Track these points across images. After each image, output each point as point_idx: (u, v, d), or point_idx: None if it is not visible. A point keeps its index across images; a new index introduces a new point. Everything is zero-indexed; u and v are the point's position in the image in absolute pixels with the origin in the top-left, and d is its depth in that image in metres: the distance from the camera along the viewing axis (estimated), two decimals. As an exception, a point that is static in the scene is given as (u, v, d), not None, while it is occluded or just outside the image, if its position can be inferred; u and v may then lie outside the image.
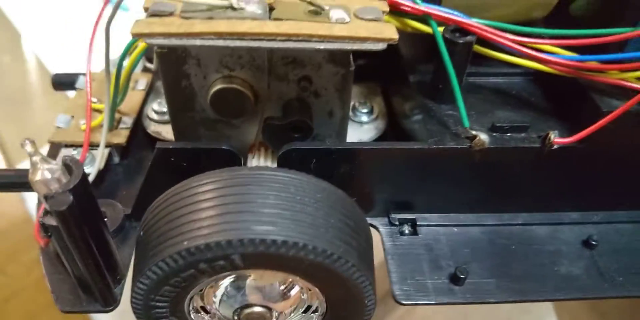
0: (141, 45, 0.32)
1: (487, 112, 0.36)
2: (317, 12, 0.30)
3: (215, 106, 0.35)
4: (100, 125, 0.38)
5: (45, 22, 0.93)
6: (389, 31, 0.29)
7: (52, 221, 0.26)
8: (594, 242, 0.36)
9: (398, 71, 0.42)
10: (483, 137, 0.33)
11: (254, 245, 0.25)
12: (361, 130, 0.42)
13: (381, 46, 0.28)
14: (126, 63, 0.36)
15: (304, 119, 0.35)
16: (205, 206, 0.26)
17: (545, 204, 0.37)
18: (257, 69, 0.34)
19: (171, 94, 0.35)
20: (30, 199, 0.69)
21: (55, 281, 0.31)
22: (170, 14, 0.28)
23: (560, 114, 0.36)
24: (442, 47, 0.32)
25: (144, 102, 0.42)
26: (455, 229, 0.36)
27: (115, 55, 0.37)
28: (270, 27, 0.28)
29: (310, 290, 0.29)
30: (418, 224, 0.36)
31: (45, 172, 0.26)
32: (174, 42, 0.28)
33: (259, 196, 0.27)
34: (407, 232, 0.36)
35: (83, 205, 0.26)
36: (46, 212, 0.27)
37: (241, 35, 0.28)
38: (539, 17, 0.37)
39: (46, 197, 0.25)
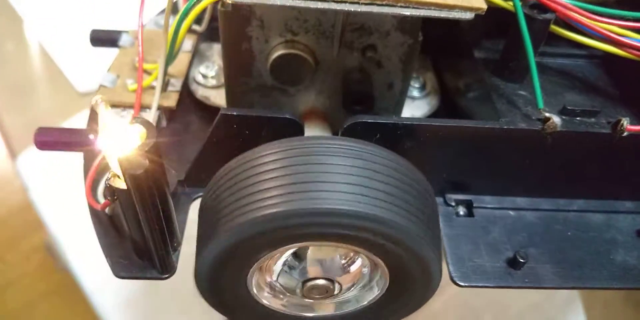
0: (205, 1, 0.30)
1: (556, 94, 0.35)
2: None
3: (274, 72, 0.33)
4: (148, 87, 0.37)
5: (48, 7, 0.90)
6: (478, 0, 0.27)
7: (121, 184, 0.25)
8: (649, 233, 0.35)
9: (456, 45, 0.40)
10: (555, 119, 0.31)
11: (325, 216, 0.24)
12: (413, 105, 0.41)
13: (469, 15, 0.27)
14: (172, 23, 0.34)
15: (369, 91, 0.34)
16: (277, 175, 0.25)
17: (602, 191, 0.37)
18: (321, 35, 0.32)
19: (230, 57, 0.33)
20: (32, 185, 0.67)
21: (109, 246, 0.30)
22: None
23: (628, 101, 0.35)
24: (522, 23, 0.30)
25: (190, 64, 0.41)
26: (511, 213, 0.36)
27: (152, 12, 0.35)
28: (356, -11, 0.26)
29: (374, 264, 0.29)
30: (474, 205, 0.35)
31: (118, 133, 0.24)
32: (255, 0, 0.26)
33: (331, 167, 0.26)
34: (462, 213, 0.36)
35: (154, 169, 0.25)
36: (114, 175, 0.25)
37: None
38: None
39: (120, 160, 0.24)
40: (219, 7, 0.31)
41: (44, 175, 0.69)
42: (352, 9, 0.26)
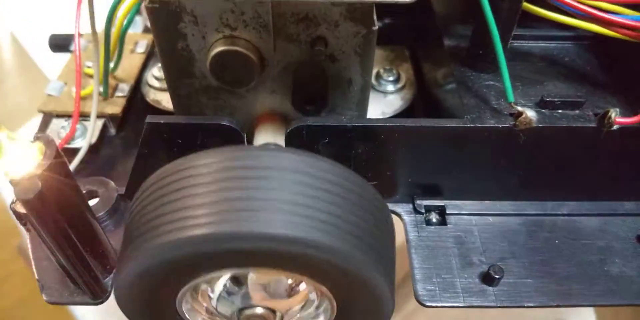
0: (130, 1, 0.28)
1: (535, 84, 0.30)
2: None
3: (215, 72, 0.30)
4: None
5: None
6: (421, -17, 0.23)
7: (22, 209, 0.23)
8: (652, 238, 0.31)
9: (431, 32, 0.36)
10: (530, 114, 0.27)
11: (255, 240, 0.21)
12: (385, 101, 0.37)
13: None
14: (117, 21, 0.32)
15: (318, 89, 0.30)
16: (200, 192, 0.22)
17: (596, 191, 0.32)
18: (263, 28, 0.29)
19: (166, 57, 0.30)
20: (2, 184, 0.66)
21: (43, 268, 0.28)
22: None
23: (621, 87, 0.31)
24: (485, 5, 0.26)
25: (144, 66, 0.38)
26: (490, 219, 0.32)
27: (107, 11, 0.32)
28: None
29: (319, 290, 0.26)
30: (447, 212, 0.32)
31: (12, 153, 0.22)
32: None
33: (263, 182, 0.22)
34: (434, 221, 0.32)
35: (58, 190, 0.22)
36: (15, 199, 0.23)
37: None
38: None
39: (12, 183, 0.21)
40: (144, 3, 0.28)
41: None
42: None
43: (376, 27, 0.29)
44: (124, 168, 0.34)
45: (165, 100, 0.37)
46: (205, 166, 0.23)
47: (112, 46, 0.31)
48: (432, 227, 0.31)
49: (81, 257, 0.25)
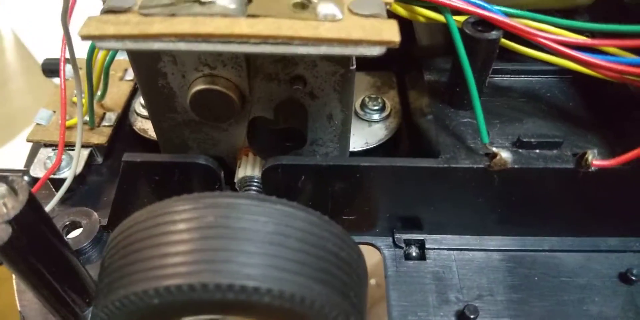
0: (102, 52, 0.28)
1: (513, 121, 0.30)
2: (304, 6, 0.25)
3: (196, 109, 0.31)
4: (83, 122, 0.35)
5: None
6: (389, 32, 0.23)
7: (-6, 254, 0.23)
8: (633, 277, 0.30)
9: (414, 63, 0.36)
10: (505, 155, 0.27)
11: (213, 291, 0.21)
12: (369, 130, 0.37)
13: (378, 51, 0.23)
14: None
15: (297, 126, 0.30)
16: (165, 241, 0.23)
17: (578, 227, 0.32)
18: (241, 67, 0.29)
19: (148, 94, 0.31)
20: None
21: (26, 300, 0.29)
22: (128, 10, 0.24)
23: (602, 124, 0.30)
24: (459, 45, 0.26)
25: (133, 93, 0.39)
26: (469, 254, 0.32)
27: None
28: (242, 27, 0.23)
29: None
30: (427, 246, 0.32)
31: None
32: (129, 45, 0.23)
33: (227, 232, 0.22)
34: (414, 255, 0.32)
35: (31, 233, 0.23)
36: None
37: (207, 37, 0.23)
38: (584, 4, 0.30)
39: (-20, 230, 0.22)
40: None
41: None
42: (242, 51, 0.23)
43: (354, 67, 0.29)
44: (109, 197, 0.34)
45: (151, 130, 0.37)
46: (175, 213, 0.23)
47: (95, 77, 0.32)
48: (411, 262, 0.31)
49: (57, 294, 0.26)
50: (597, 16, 0.30)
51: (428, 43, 0.34)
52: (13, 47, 0.84)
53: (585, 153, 0.27)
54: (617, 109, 0.29)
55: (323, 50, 0.23)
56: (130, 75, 0.39)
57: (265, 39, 0.23)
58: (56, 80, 0.42)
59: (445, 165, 0.28)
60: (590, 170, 0.27)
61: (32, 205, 0.23)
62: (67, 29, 0.29)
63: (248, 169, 0.32)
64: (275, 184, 0.28)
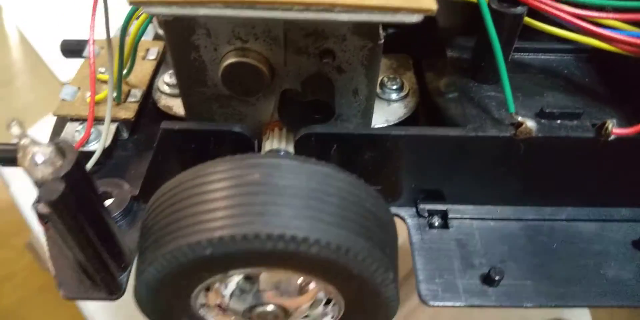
0: (142, 17, 0.29)
1: (534, 95, 0.32)
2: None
3: (226, 82, 0.31)
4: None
5: None
6: (428, 0, 0.24)
7: (45, 209, 0.24)
8: (646, 243, 0.32)
9: (434, 43, 0.37)
10: (530, 124, 0.29)
11: (268, 241, 0.22)
12: (389, 109, 0.38)
13: (416, 18, 0.24)
14: (132, 29, 0.33)
15: (325, 99, 0.31)
16: (214, 197, 0.23)
17: (594, 198, 0.33)
18: (273, 41, 0.30)
19: (179, 67, 0.32)
20: (14, 183, 0.66)
21: (60, 265, 0.29)
22: (175, -24, 0.25)
23: (619, 99, 0.32)
24: (487, 19, 0.28)
25: (155, 73, 0.39)
26: (490, 223, 0.33)
27: (121, 19, 0.33)
28: (288, -7, 0.24)
29: (328, 290, 0.27)
30: (449, 216, 0.33)
31: (36, 156, 0.23)
32: (176, 11, 0.24)
33: (275, 188, 0.23)
34: (436, 224, 0.33)
35: (78, 191, 0.24)
36: (39, 199, 0.24)
37: (252, 4, 0.24)
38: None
39: (37, 184, 0.23)
40: (158, 17, 0.29)
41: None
42: (284, 17, 0.24)
43: (382, 41, 0.30)
44: (136, 170, 0.35)
45: (176, 106, 0.38)
46: (221, 172, 0.24)
47: (126, 54, 0.32)
48: (435, 230, 0.33)
49: (99, 255, 0.26)
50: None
51: (448, 24, 0.36)
52: (18, 45, 0.84)
53: (605, 122, 0.29)
54: (635, 85, 0.31)
55: (363, 17, 0.24)
56: (152, 54, 0.40)
57: (308, 6, 0.24)
58: (74, 60, 0.42)
59: (473, 134, 0.29)
60: (609, 139, 0.29)
61: (79, 165, 0.24)
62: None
63: (275, 143, 0.33)
64: (308, 153, 0.29)
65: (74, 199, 0.23)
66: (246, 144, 0.29)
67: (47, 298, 0.63)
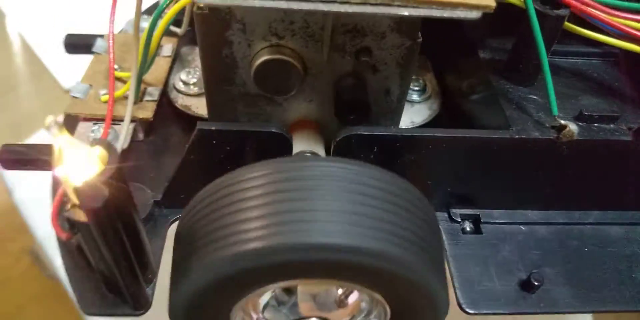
0: (181, 1, 0.27)
1: (569, 98, 0.32)
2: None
3: (259, 80, 0.30)
4: (123, 97, 0.34)
5: (31, 1, 0.84)
6: (486, -3, 0.24)
7: (81, 216, 0.22)
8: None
9: (458, 44, 0.37)
10: (572, 127, 0.28)
11: (313, 251, 0.21)
12: (413, 110, 0.38)
13: (475, 15, 0.24)
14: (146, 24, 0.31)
15: (364, 98, 0.30)
16: (260, 203, 0.22)
17: (621, 201, 0.34)
18: (310, 38, 0.29)
19: (209, 63, 0.30)
20: (18, 188, 0.63)
21: (77, 279, 0.27)
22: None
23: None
24: (534, 21, 0.27)
25: (170, 70, 0.38)
26: (522, 228, 0.33)
27: (129, 15, 0.32)
28: (346, -13, 0.23)
29: (373, 298, 0.26)
30: (482, 221, 0.32)
31: (72, 159, 0.21)
32: (229, 1, 0.23)
33: (315, 193, 0.22)
34: (468, 229, 0.32)
35: (118, 198, 0.22)
36: (73, 205, 0.22)
37: (310, -4, 0.23)
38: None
39: (77, 190, 0.21)
40: (194, 9, 0.28)
41: (29, 178, 0.65)
42: (343, 10, 0.23)
43: (420, 39, 0.29)
44: (154, 174, 0.33)
45: (194, 106, 0.36)
46: (259, 178, 0.23)
47: (151, 49, 0.30)
48: (468, 236, 0.32)
49: (132, 266, 0.25)
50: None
51: (476, 25, 0.35)
52: (21, 52, 0.81)
53: (643, 126, 0.29)
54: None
55: (423, 12, 0.23)
56: (166, 51, 0.38)
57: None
58: (77, 62, 0.40)
59: (517, 136, 0.28)
60: (648, 142, 0.29)
61: (120, 169, 0.22)
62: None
63: (304, 144, 0.32)
64: (347, 155, 0.28)
65: (113, 206, 0.22)
66: (284, 145, 0.28)
67: (46, 305, 0.60)
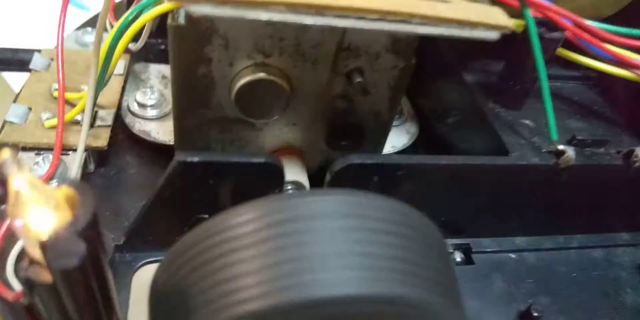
0: (153, 11, 0.23)
1: (558, 122, 0.31)
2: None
3: (241, 103, 0.27)
4: (70, 122, 0.29)
5: None
6: (503, 17, 0.22)
7: (44, 276, 0.17)
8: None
9: (435, 66, 0.36)
10: (570, 152, 0.28)
11: (322, 306, 0.18)
12: (392, 135, 0.36)
13: (494, 35, 0.22)
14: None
15: (357, 123, 0.28)
16: (258, 253, 0.18)
17: (599, 224, 0.34)
18: (300, 57, 0.26)
19: (182, 83, 0.26)
20: None
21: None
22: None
23: (634, 126, 0.32)
24: (535, 45, 0.26)
25: (122, 91, 0.33)
26: (512, 256, 0.32)
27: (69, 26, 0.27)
28: (361, 0, 0.21)
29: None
30: (473, 250, 0.31)
31: (36, 205, 0.17)
32: (229, 13, 0.19)
33: (319, 236, 0.19)
34: (459, 260, 0.31)
35: (93, 253, 0.17)
36: (31, 262, 0.18)
37: (321, 10, 0.20)
38: (609, 13, 0.32)
39: (44, 245, 0.16)
40: (168, 21, 0.24)
41: None
42: (359, 27, 0.21)
43: (414, 61, 0.28)
44: (110, 212, 0.28)
45: (154, 131, 0.32)
46: (254, 222, 0.19)
47: (111, 66, 0.26)
48: (461, 267, 0.30)
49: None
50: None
51: (460, 46, 0.34)
52: None
53: (632, 150, 0.29)
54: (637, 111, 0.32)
55: (441, 31, 0.22)
56: (119, 69, 0.33)
57: (384, 15, 0.21)
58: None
59: (518, 163, 0.27)
60: (635, 166, 0.29)
61: (96, 217, 0.18)
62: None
63: (290, 174, 0.29)
64: (344, 186, 0.26)
65: (89, 263, 0.17)
66: (276, 177, 0.25)
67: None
